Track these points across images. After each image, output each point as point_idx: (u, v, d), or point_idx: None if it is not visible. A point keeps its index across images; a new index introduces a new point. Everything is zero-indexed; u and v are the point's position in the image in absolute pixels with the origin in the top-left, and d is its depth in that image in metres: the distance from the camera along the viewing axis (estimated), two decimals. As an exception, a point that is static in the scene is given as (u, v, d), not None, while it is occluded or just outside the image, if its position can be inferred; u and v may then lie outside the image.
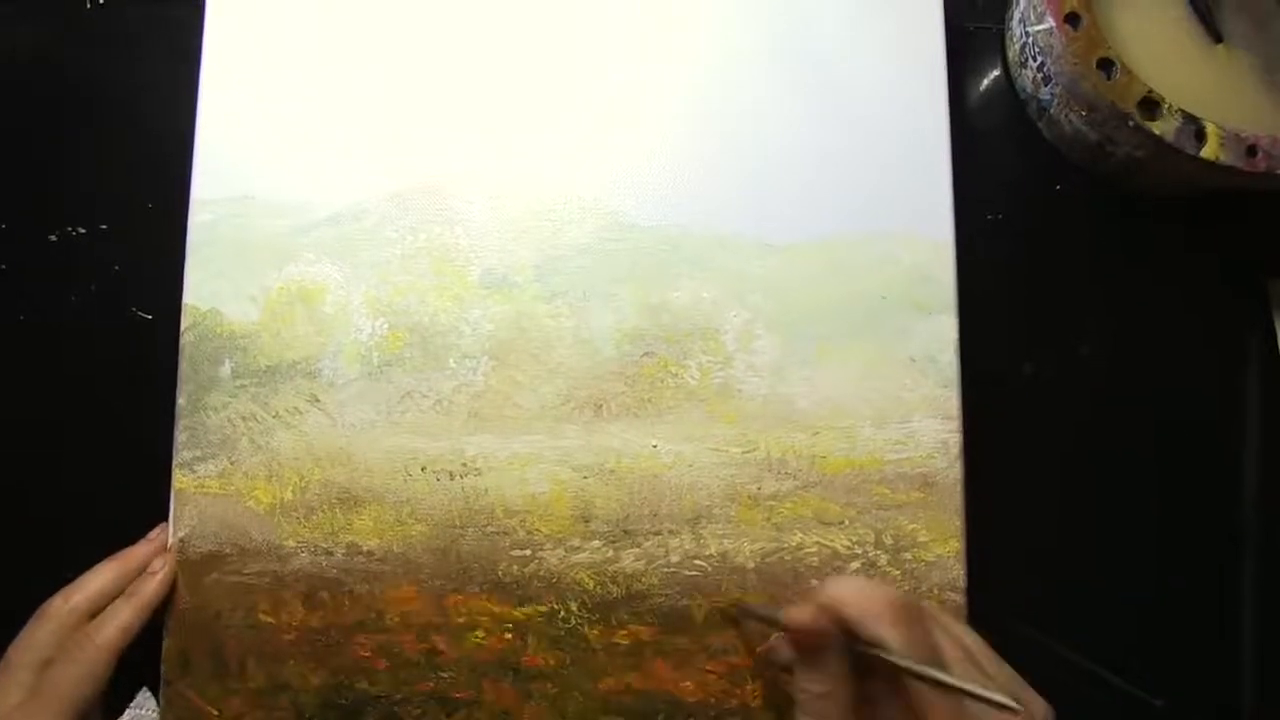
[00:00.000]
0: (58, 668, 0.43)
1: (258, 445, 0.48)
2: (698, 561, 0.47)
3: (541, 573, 0.47)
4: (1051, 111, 0.50)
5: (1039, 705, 0.36)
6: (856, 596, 0.35)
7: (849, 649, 0.35)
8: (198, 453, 0.47)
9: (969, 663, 0.35)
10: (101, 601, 0.45)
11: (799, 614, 0.35)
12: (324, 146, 0.50)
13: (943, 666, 0.34)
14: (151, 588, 0.45)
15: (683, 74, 0.51)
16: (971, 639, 0.37)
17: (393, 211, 0.49)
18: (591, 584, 0.47)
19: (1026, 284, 0.52)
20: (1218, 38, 0.49)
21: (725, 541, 0.47)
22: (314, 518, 0.47)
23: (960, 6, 0.52)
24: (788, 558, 0.47)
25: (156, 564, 0.46)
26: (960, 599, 0.47)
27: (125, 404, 0.49)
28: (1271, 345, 0.52)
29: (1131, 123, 0.46)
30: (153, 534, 0.47)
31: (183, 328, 0.48)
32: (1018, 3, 0.51)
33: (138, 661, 0.45)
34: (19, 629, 0.46)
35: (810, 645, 0.35)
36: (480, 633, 0.46)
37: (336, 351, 0.48)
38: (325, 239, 0.49)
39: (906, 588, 0.47)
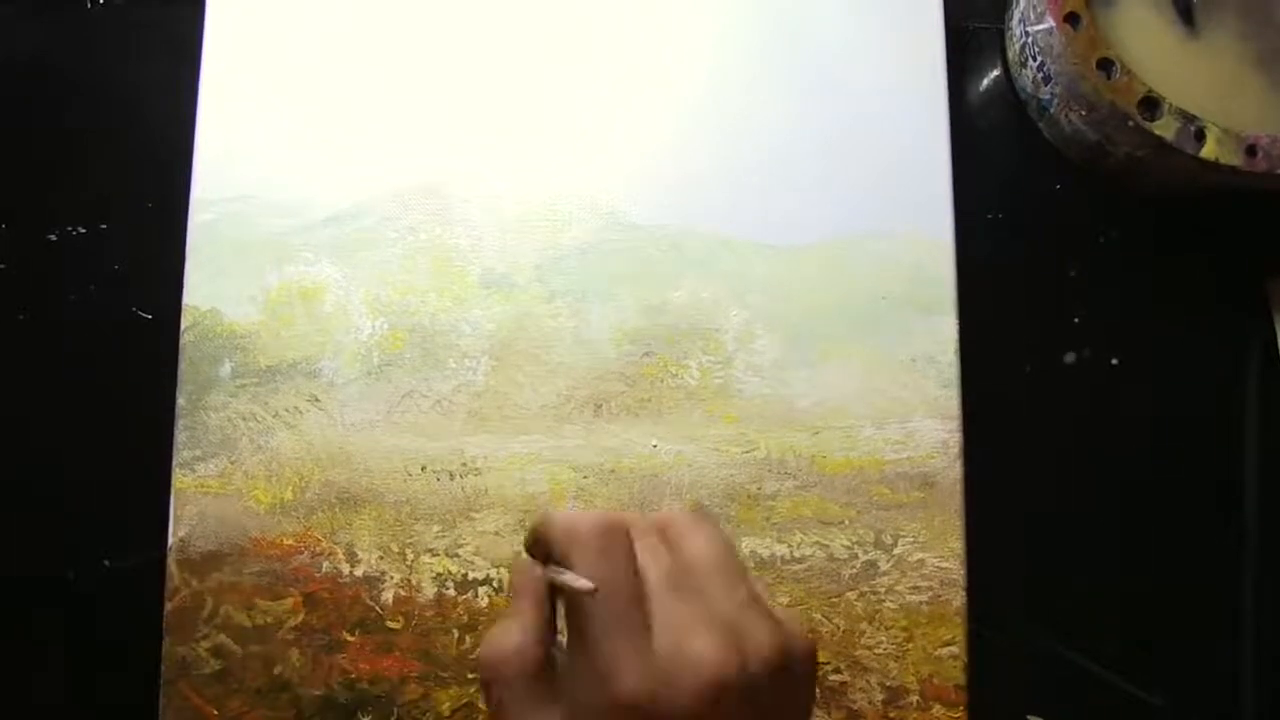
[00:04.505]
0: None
1: (258, 445, 0.48)
2: (698, 561, 0.47)
3: (541, 572, 0.47)
4: (1051, 111, 0.50)
5: (786, 634, 0.31)
6: (562, 523, 0.32)
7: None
8: (198, 452, 0.47)
9: (681, 584, 0.31)
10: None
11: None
12: (324, 146, 0.50)
13: (635, 587, 0.30)
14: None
15: (683, 73, 0.51)
16: (709, 556, 0.32)
17: (393, 211, 0.49)
18: (591, 584, 0.47)
19: (1026, 284, 0.52)
20: (1190, 25, 0.49)
21: (725, 541, 0.47)
22: (314, 517, 0.47)
23: (960, 6, 0.52)
24: (788, 557, 0.47)
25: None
26: (960, 599, 0.47)
27: (125, 404, 0.49)
28: (1271, 345, 0.52)
29: (1131, 123, 0.46)
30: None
31: (183, 328, 0.48)
32: (1017, 3, 0.51)
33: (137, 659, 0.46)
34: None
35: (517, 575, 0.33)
36: (480, 631, 0.46)
37: (336, 351, 0.48)
38: (325, 239, 0.49)
39: (905, 586, 0.47)
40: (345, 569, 0.47)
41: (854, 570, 0.47)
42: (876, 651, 0.47)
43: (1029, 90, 0.51)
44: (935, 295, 0.49)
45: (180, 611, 0.46)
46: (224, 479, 0.47)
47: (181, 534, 0.47)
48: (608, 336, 0.49)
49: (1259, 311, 0.52)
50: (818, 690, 0.46)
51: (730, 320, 0.49)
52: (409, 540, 0.47)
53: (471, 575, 0.47)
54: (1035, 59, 0.49)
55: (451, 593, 0.47)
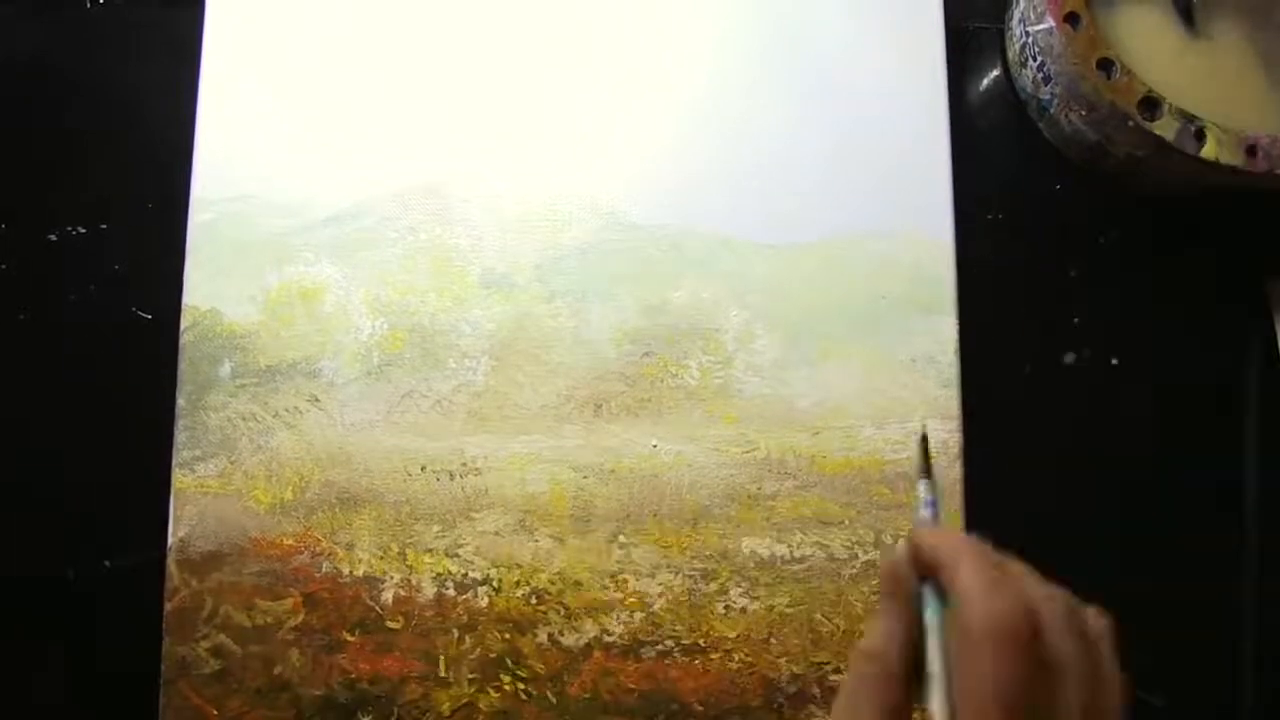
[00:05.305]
0: None
1: (258, 445, 0.48)
2: (697, 562, 0.47)
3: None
4: (1051, 111, 0.50)
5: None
6: (943, 540, 0.32)
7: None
8: (198, 452, 0.47)
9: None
10: None
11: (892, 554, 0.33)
12: (324, 146, 0.50)
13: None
14: None
15: (683, 74, 0.51)
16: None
17: (393, 211, 0.49)
18: (591, 583, 0.47)
19: (1026, 284, 0.52)
20: (1192, 28, 0.49)
21: (725, 541, 0.47)
22: (314, 517, 0.47)
23: (960, 6, 0.52)
24: (788, 557, 0.47)
25: None
26: (960, 599, 0.47)
27: (125, 404, 0.49)
28: (1271, 345, 0.52)
29: (1131, 123, 0.46)
30: None
31: (183, 328, 0.48)
32: (1017, 3, 0.51)
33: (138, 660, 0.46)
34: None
35: (887, 577, 0.33)
36: (480, 632, 0.46)
37: (336, 351, 0.48)
38: (325, 239, 0.49)
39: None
40: (345, 569, 0.47)
41: (854, 570, 0.47)
42: (876, 651, 0.47)
43: (1029, 90, 0.51)
44: (935, 295, 0.49)
45: (180, 611, 0.46)
46: (224, 479, 0.47)
47: (181, 534, 0.47)
48: (608, 336, 0.49)
49: (1259, 311, 0.52)
50: (818, 690, 0.46)
51: (730, 320, 0.49)
52: (409, 540, 0.47)
53: (471, 575, 0.47)
54: (1035, 59, 0.49)
55: (451, 593, 0.47)
